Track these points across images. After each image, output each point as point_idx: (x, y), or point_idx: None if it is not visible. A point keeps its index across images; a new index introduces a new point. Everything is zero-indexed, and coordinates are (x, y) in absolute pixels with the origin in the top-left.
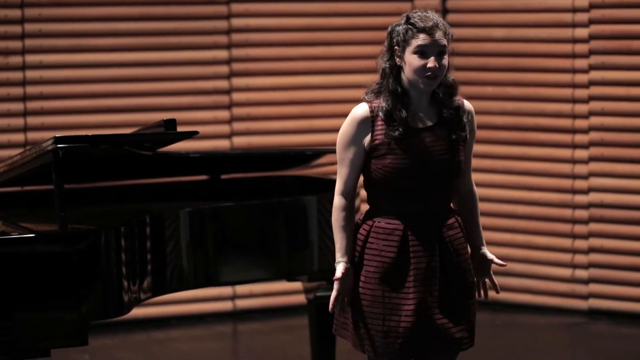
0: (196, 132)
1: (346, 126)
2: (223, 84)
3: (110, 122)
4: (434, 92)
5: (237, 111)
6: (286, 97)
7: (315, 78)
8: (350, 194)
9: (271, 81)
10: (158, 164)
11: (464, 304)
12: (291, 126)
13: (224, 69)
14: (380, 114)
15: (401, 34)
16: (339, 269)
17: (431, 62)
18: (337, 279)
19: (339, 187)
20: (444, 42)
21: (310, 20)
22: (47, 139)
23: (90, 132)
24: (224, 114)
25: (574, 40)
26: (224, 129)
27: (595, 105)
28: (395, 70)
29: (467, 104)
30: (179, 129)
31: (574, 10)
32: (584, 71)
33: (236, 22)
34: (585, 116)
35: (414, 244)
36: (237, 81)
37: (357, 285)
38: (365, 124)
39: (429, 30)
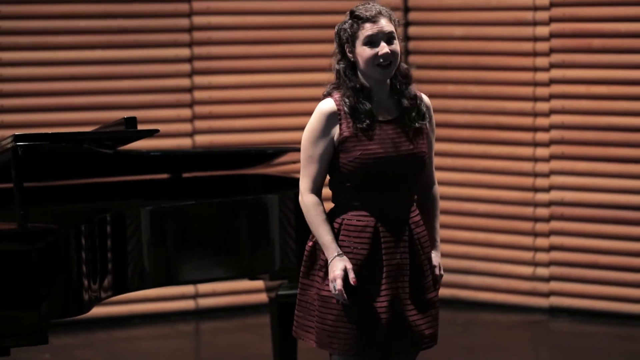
0: (157, 131)
1: (314, 121)
2: (185, 82)
3: (71, 120)
4: (392, 84)
5: (199, 109)
6: (248, 96)
7: (278, 76)
8: (319, 191)
9: (233, 79)
10: (119, 162)
11: (431, 301)
12: (253, 124)
13: (185, 67)
14: (345, 108)
15: (348, 30)
16: (344, 263)
17: (382, 49)
18: (352, 279)
19: (307, 185)
20: (391, 27)
21: (273, 18)
22: (6, 137)
23: (50, 130)
24: (185, 112)
25: (535, 39)
26: (186, 127)
27: (556, 103)
28: (349, 68)
29: (426, 98)
30: (141, 127)
31: (535, 8)
32: (545, 69)
33: (198, 19)
34: (546, 114)
35: (386, 240)
36: (199, 79)
37: (326, 285)
38: (333, 118)
39: (373, 19)
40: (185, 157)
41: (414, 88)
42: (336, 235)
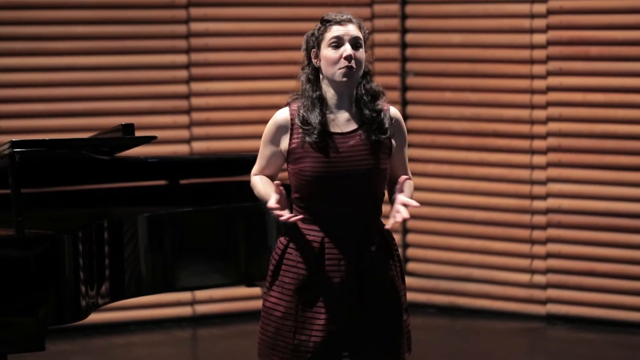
0: (154, 137)
1: (268, 127)
2: (182, 88)
3: (68, 126)
4: (357, 98)
5: (197, 116)
6: (246, 102)
7: (275, 83)
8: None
9: (231, 86)
10: (116, 168)
11: (385, 325)
12: (251, 131)
13: (183, 74)
14: (297, 119)
15: (315, 33)
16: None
17: (346, 50)
18: (287, 216)
19: (255, 168)
20: (358, 33)
21: (271, 25)
22: (4, 143)
23: (47, 136)
24: (183, 119)
25: (532, 46)
26: (183, 133)
27: (553, 111)
28: (313, 75)
29: (394, 110)
30: (138, 133)
31: (532, 16)
32: (542, 77)
33: (195, 26)
34: (544, 122)
35: (330, 257)
36: (197, 86)
37: (270, 296)
38: (284, 128)
39: (341, 22)
40: (182, 164)
41: (383, 103)
42: (285, 248)
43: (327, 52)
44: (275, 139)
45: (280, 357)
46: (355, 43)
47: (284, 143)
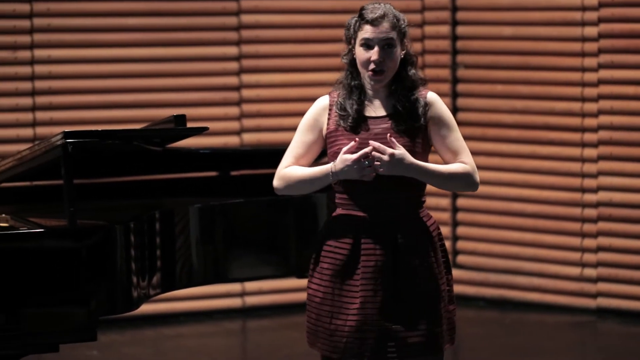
0: (206, 128)
1: (307, 113)
2: (233, 80)
3: (119, 117)
4: (393, 87)
5: (247, 108)
6: (296, 94)
7: (326, 75)
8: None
9: (281, 78)
10: (168, 159)
11: (422, 310)
12: None
13: (233, 65)
14: (336, 104)
15: (352, 27)
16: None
17: (374, 55)
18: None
19: (284, 165)
20: (391, 34)
21: (321, 17)
22: (56, 134)
23: (99, 128)
24: (233, 111)
25: (584, 39)
26: (234, 125)
27: (605, 104)
28: (352, 63)
29: (430, 96)
30: (189, 124)
31: (584, 8)
32: (593, 70)
33: (246, 18)
34: (595, 115)
35: (366, 242)
36: (247, 78)
37: (312, 283)
38: (324, 111)
39: (373, 22)
40: (233, 155)
41: (421, 90)
42: (326, 232)
43: (358, 51)
44: (315, 124)
45: (321, 343)
46: (385, 44)
47: (323, 125)
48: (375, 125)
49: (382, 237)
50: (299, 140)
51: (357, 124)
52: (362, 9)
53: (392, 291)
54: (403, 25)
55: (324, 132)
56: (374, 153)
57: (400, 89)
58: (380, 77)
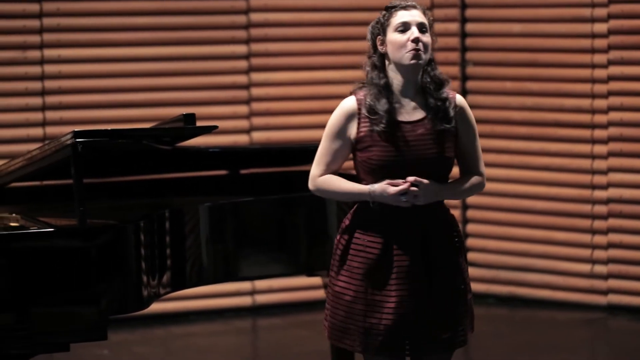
0: (216, 127)
1: (334, 118)
2: (242, 78)
3: (129, 116)
4: (422, 85)
5: (256, 106)
6: (305, 92)
7: (335, 73)
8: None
9: (290, 76)
10: (177, 158)
11: (452, 305)
12: (310, 121)
13: (242, 64)
14: (364, 107)
15: (380, 20)
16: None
17: (413, 34)
18: (402, 186)
19: (316, 173)
20: (424, 19)
21: (330, 15)
22: (66, 134)
23: (109, 127)
24: (242, 109)
25: (593, 36)
26: (243, 124)
27: (615, 100)
28: (379, 62)
29: (459, 99)
30: (199, 123)
31: (593, 5)
32: (603, 66)
33: (255, 16)
34: (605, 111)
35: (398, 240)
36: (256, 76)
37: (339, 281)
38: (352, 117)
39: (406, 7)
40: (243, 154)
41: (449, 90)
42: (352, 230)
43: (394, 37)
44: (343, 129)
45: (351, 340)
46: (421, 28)
47: (352, 131)
48: (410, 132)
49: (413, 235)
50: (327, 147)
51: (391, 128)
52: (389, 4)
53: (426, 289)
54: (431, 18)
55: (354, 135)
56: (411, 188)
57: (429, 86)
58: (419, 55)
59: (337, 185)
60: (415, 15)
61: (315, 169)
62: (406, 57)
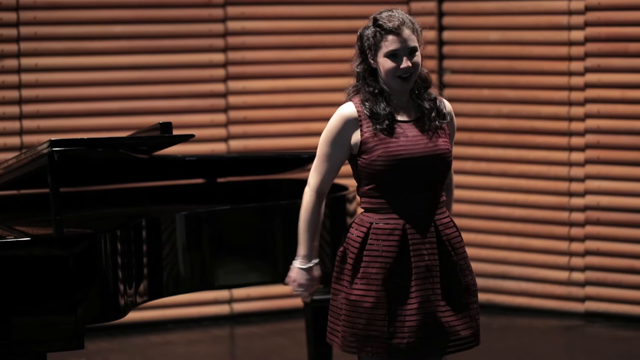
0: (192, 136)
1: (332, 124)
2: (219, 87)
3: (106, 125)
4: (412, 87)
5: (234, 114)
6: (283, 100)
7: (312, 81)
8: (324, 192)
9: (268, 84)
10: (154, 167)
11: (466, 302)
12: (288, 129)
13: (220, 72)
14: (365, 111)
15: (371, 38)
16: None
17: (404, 63)
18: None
19: (315, 182)
20: (414, 42)
21: (307, 23)
22: (43, 142)
23: (86, 136)
24: (220, 117)
25: (570, 43)
26: (221, 132)
27: (592, 107)
28: (369, 72)
29: (447, 104)
30: (175, 132)
31: (570, 12)
32: (580, 74)
33: (232, 25)
34: (582, 119)
35: (414, 242)
36: (234, 84)
37: (355, 289)
38: (353, 122)
39: (397, 31)
40: (220, 162)
41: (434, 91)
42: (364, 238)
43: (384, 62)
44: (343, 135)
45: (375, 347)
46: (411, 52)
47: (355, 136)
48: (410, 130)
49: (426, 236)
50: (325, 155)
51: (393, 127)
52: (377, 19)
53: (443, 288)
54: (418, 28)
55: (357, 140)
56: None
57: (418, 87)
58: (409, 82)
59: (303, 227)
60: (405, 40)
61: (312, 176)
62: (395, 83)
